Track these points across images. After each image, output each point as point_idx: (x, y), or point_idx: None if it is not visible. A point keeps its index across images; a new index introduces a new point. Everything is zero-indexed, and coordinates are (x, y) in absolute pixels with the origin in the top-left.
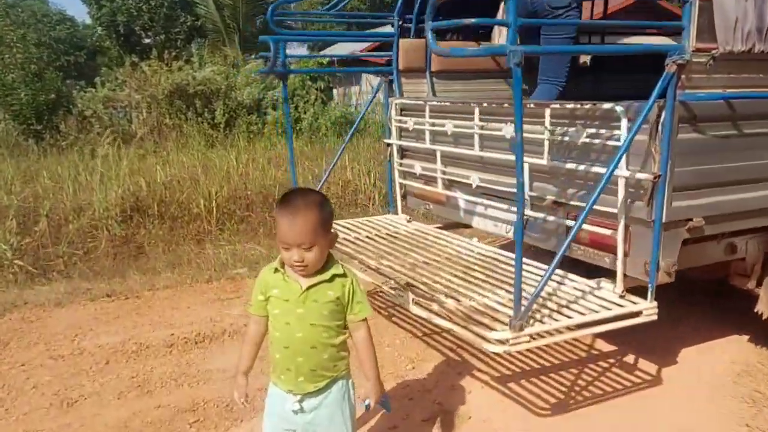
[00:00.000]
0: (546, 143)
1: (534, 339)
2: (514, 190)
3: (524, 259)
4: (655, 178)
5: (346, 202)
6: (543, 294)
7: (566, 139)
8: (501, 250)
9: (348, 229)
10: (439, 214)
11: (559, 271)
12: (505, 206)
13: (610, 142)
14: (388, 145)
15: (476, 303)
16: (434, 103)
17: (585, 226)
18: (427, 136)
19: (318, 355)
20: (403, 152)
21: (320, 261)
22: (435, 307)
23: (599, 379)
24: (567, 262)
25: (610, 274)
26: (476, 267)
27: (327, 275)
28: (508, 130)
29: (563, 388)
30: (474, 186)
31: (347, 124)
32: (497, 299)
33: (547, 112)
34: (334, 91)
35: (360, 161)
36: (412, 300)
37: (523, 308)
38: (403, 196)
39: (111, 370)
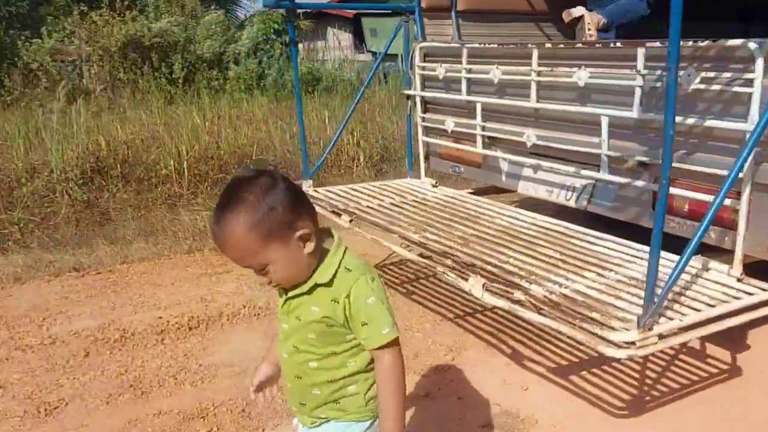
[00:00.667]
0: (637, 91)
1: (662, 339)
2: (580, 149)
3: (593, 233)
4: None
5: (328, 164)
6: (640, 277)
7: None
8: (561, 221)
9: (368, 195)
10: (472, 177)
11: (642, 248)
12: (566, 168)
13: (737, 89)
14: (408, 97)
15: (568, 291)
16: (475, 45)
17: (685, 193)
18: (463, 86)
19: (305, 389)
20: (426, 106)
21: (295, 272)
22: (518, 295)
23: (670, 370)
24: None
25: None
26: (542, 243)
27: (305, 286)
28: (581, 76)
29: (632, 381)
30: (530, 144)
31: (314, 81)
32: (591, 285)
33: (641, 52)
34: (300, 45)
35: (338, 120)
36: (483, 286)
37: (654, 304)
38: (426, 157)
39: (93, 365)
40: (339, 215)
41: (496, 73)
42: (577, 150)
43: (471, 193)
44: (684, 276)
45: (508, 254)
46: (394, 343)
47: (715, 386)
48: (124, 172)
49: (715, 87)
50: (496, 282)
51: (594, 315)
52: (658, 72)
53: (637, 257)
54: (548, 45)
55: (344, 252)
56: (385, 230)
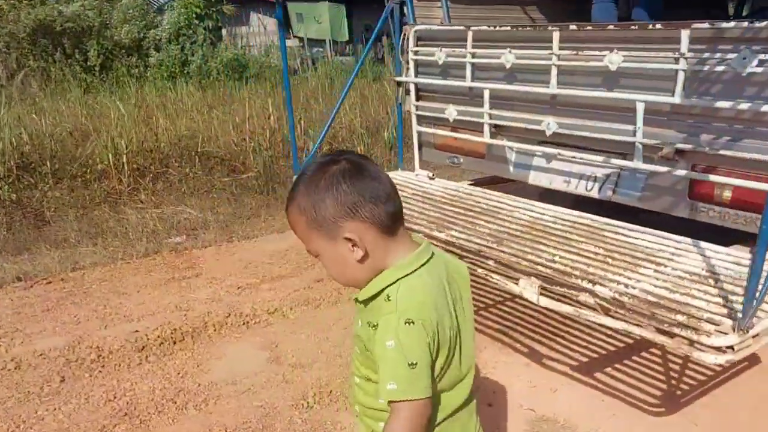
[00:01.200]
0: (680, 75)
1: (755, 339)
2: (609, 137)
3: (624, 224)
4: None
5: (277, 154)
6: (698, 271)
7: (719, 69)
8: (583, 212)
9: None
10: (473, 168)
11: (682, 239)
12: (588, 157)
13: None
14: (399, 84)
15: (637, 290)
16: (483, 28)
17: (728, 181)
18: (468, 72)
19: (361, 395)
20: (419, 93)
21: (341, 273)
22: (584, 297)
23: (690, 360)
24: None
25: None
26: (578, 238)
27: (368, 292)
28: (613, 60)
29: (658, 375)
30: (549, 133)
31: (241, 67)
32: (654, 283)
33: (685, 34)
34: (223, 31)
35: (280, 107)
36: (539, 289)
37: (753, 305)
38: (419, 147)
39: (73, 391)
40: None
41: (509, 57)
42: (603, 138)
43: (471, 184)
44: (738, 270)
45: (551, 252)
46: (406, 407)
47: (743, 374)
48: (54, 168)
49: None
50: (552, 284)
51: (679, 318)
52: (705, 55)
53: (682, 249)
54: (573, 27)
55: (406, 275)
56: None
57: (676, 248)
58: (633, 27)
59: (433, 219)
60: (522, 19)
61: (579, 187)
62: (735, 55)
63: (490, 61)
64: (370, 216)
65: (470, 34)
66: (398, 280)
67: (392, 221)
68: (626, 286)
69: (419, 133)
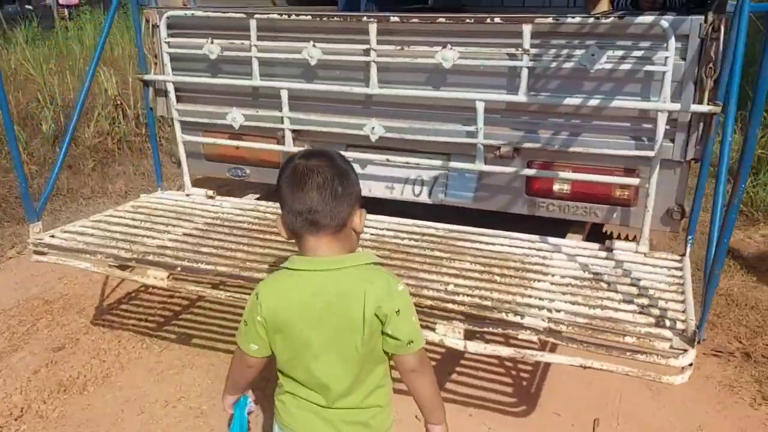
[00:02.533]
0: (524, 72)
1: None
2: (438, 138)
3: (470, 229)
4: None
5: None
6: (583, 275)
7: (564, 65)
8: (414, 221)
9: (136, 227)
10: (266, 179)
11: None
12: (413, 161)
13: (650, 67)
14: (147, 84)
15: (561, 314)
16: (274, 17)
17: (570, 176)
18: (255, 68)
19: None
20: (179, 94)
21: None
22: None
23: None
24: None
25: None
26: (443, 254)
27: None
28: (447, 57)
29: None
30: (375, 138)
31: None
32: (571, 299)
33: (527, 29)
34: None
35: None
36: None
37: (703, 316)
38: (176, 162)
39: None
40: (130, 269)
41: (312, 52)
42: (436, 140)
43: (259, 199)
44: (606, 264)
45: (433, 279)
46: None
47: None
48: None
49: (623, 66)
50: (475, 323)
51: (629, 340)
52: (550, 51)
53: (545, 250)
54: (394, 19)
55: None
56: (235, 278)
57: (538, 249)
58: (468, 20)
59: (261, 257)
60: (266, 5)
61: (405, 193)
62: (582, 51)
63: (287, 57)
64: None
65: (254, 23)
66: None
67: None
68: (548, 310)
69: (185, 143)
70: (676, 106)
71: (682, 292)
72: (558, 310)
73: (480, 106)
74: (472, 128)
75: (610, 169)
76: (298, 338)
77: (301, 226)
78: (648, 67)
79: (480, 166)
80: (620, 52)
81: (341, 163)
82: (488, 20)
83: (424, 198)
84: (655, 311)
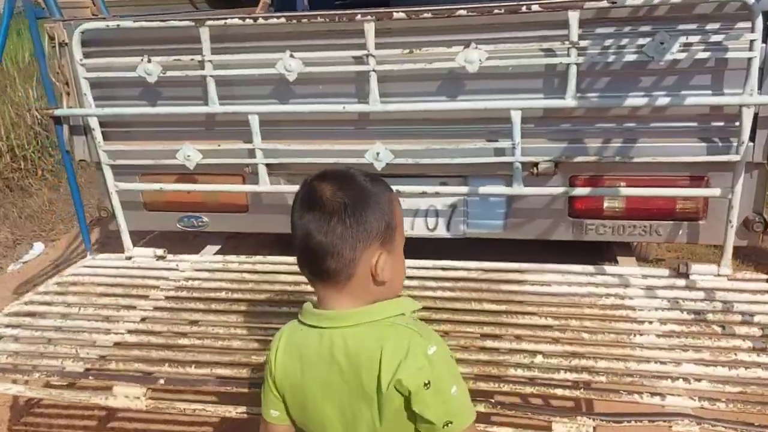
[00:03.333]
0: (572, 70)
1: None
2: (448, 161)
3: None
4: None
5: None
6: (683, 316)
7: (623, 59)
8: (491, 263)
9: (75, 313)
10: (230, 227)
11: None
12: (430, 189)
13: (732, 54)
14: (59, 121)
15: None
16: (235, 22)
17: (622, 191)
18: (212, 90)
19: None
20: (104, 130)
21: None
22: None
23: None
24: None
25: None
26: (499, 308)
27: None
28: (471, 58)
29: None
30: (382, 165)
31: None
32: (723, 361)
33: (574, 17)
34: None
35: None
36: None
37: None
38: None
39: None
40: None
41: (290, 64)
42: (455, 162)
43: (220, 252)
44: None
45: (497, 346)
46: None
47: None
48: None
49: (697, 56)
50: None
51: None
52: (602, 41)
53: (623, 286)
54: (399, 15)
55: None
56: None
57: (604, 285)
58: (498, 11)
59: (224, 343)
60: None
61: (417, 228)
62: (646, 40)
63: (254, 73)
64: None
65: (206, 32)
66: None
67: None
68: (683, 379)
69: (119, 193)
70: (761, 99)
71: None
72: (695, 378)
73: (516, 116)
74: (504, 144)
75: (674, 179)
76: (310, 407)
77: (302, 266)
78: (729, 54)
79: (519, 189)
80: (695, 38)
81: (362, 187)
82: (524, 8)
83: (441, 232)
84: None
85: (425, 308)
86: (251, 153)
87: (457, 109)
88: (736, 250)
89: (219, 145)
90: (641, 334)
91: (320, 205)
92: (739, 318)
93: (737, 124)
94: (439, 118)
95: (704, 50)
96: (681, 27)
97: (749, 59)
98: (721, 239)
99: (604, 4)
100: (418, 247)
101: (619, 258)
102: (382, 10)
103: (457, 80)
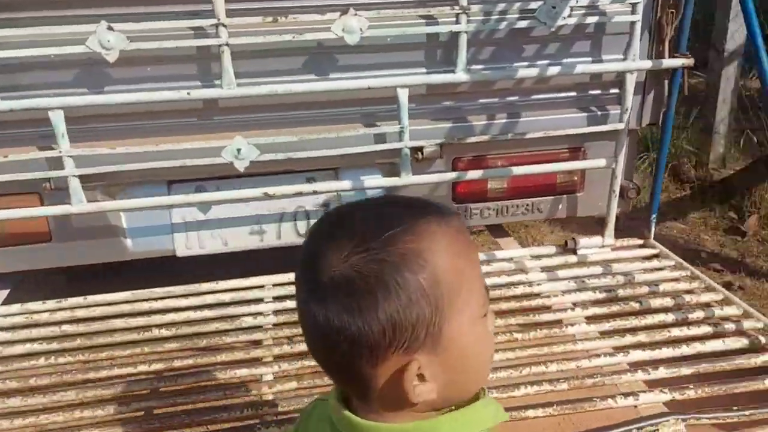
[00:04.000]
0: (463, 40)
1: None
2: (329, 152)
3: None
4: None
5: None
6: (597, 296)
7: (521, 24)
8: None
9: None
10: (19, 265)
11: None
12: (300, 188)
13: (619, 18)
14: None
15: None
16: None
17: (517, 170)
18: None
19: None
20: None
21: None
22: None
23: None
24: None
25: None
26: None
27: None
28: (352, 26)
29: None
30: (245, 165)
31: None
32: (662, 341)
33: None
34: None
35: None
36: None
37: None
38: None
39: None
40: None
41: (108, 39)
42: (326, 154)
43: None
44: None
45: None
46: None
47: None
48: None
49: (585, 20)
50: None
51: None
52: (493, 6)
53: (522, 271)
54: None
55: None
56: None
57: (499, 272)
58: None
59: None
60: None
61: (284, 235)
62: (539, 4)
63: (54, 53)
64: None
65: None
66: None
67: None
68: (642, 370)
69: None
70: (647, 64)
71: (715, 290)
72: (652, 367)
73: (403, 95)
74: (387, 128)
75: (555, 153)
76: None
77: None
78: (616, 18)
79: (407, 178)
80: (584, 1)
81: (388, 242)
82: None
83: (278, 240)
84: (731, 325)
85: None
86: (54, 162)
87: (335, 89)
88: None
89: (6, 156)
90: (571, 324)
91: (317, 272)
92: (646, 290)
93: (614, 91)
94: (313, 101)
95: (587, 14)
96: None
97: (633, 23)
98: (597, 210)
99: None
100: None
101: (498, 240)
102: None
103: (331, 54)
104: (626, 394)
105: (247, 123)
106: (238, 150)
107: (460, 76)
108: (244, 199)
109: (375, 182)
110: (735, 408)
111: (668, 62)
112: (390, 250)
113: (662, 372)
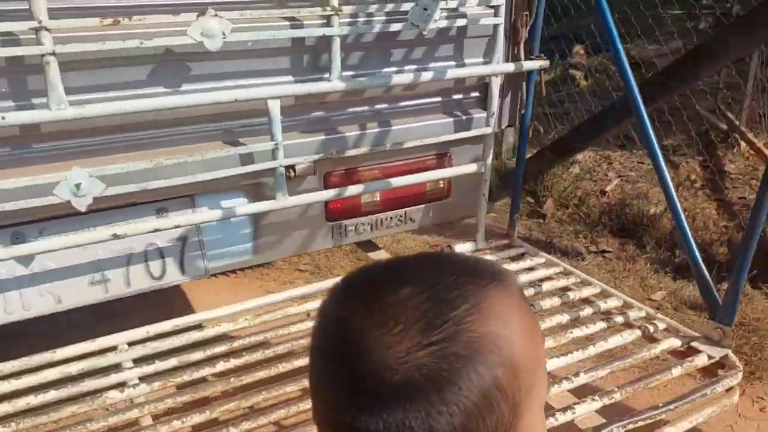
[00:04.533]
0: (336, 44)
1: None
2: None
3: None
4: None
5: None
6: None
7: (395, 27)
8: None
9: None
10: None
11: None
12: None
13: (485, 21)
14: None
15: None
16: None
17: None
18: None
19: None
20: None
21: None
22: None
23: None
24: None
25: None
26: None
27: None
28: (211, 30)
29: None
30: (86, 202)
31: None
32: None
33: None
34: None
35: None
36: None
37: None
38: None
39: None
40: None
41: None
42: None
43: None
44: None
45: None
46: None
47: None
48: None
49: (453, 23)
50: None
51: (675, 372)
52: (365, 8)
53: None
54: None
55: None
56: None
57: None
58: None
59: None
60: None
61: (134, 281)
62: (411, 5)
63: None
64: None
65: None
66: None
67: None
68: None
69: None
70: (510, 67)
71: (591, 284)
72: (573, 374)
73: (274, 107)
74: (259, 146)
75: (423, 161)
76: None
77: None
78: (482, 21)
79: (284, 200)
80: (454, 3)
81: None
82: None
83: (172, 277)
84: (619, 318)
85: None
86: None
87: (196, 104)
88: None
89: None
90: None
91: (367, 373)
92: (532, 291)
93: (475, 94)
94: (166, 118)
95: (452, 17)
96: None
97: (496, 26)
98: (462, 213)
99: None
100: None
101: (371, 255)
102: None
103: (183, 62)
104: (563, 410)
105: (84, 150)
106: (77, 185)
107: (336, 84)
108: (79, 245)
109: (244, 209)
110: (660, 405)
111: (528, 64)
112: (458, 341)
113: (583, 378)
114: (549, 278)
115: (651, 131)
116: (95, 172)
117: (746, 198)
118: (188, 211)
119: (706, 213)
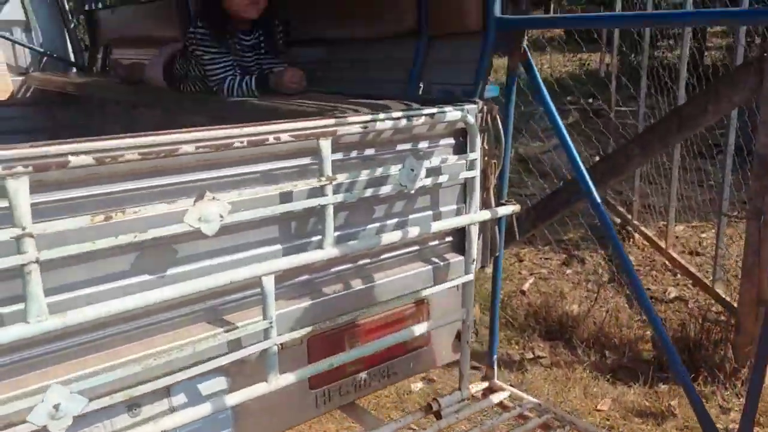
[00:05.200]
0: (329, 212)
1: None
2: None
3: None
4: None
5: None
6: None
7: (385, 190)
8: None
9: None
10: None
11: None
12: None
13: (464, 174)
14: None
15: None
16: None
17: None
18: None
19: None
20: None
21: None
22: None
23: None
24: None
25: None
26: None
27: None
28: (208, 215)
29: None
30: (67, 425)
31: None
32: None
33: (325, 145)
34: None
35: None
36: None
37: None
38: None
39: None
40: None
41: None
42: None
43: None
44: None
45: None
46: None
47: None
48: None
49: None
50: None
51: None
52: (356, 172)
53: None
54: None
55: None
56: None
57: None
58: (238, 144)
59: None
60: None
61: None
62: (398, 167)
63: None
64: None
65: None
66: None
67: None
68: None
69: None
70: (486, 214)
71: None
72: None
73: (269, 283)
74: (253, 327)
75: (402, 310)
76: None
77: None
78: (461, 175)
79: (276, 381)
80: (436, 160)
81: None
82: (271, 139)
83: None
84: None
85: None
86: None
87: (189, 293)
88: None
89: None
90: None
91: None
92: None
93: (449, 239)
94: (152, 309)
95: (438, 172)
96: (421, 147)
97: (473, 178)
98: (441, 360)
99: (357, 128)
100: None
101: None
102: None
103: (174, 246)
104: None
105: (54, 356)
106: (56, 407)
107: (330, 251)
108: None
109: (233, 399)
110: None
111: (502, 210)
112: None
113: None
114: (542, 426)
115: None
116: (76, 387)
117: (650, 289)
118: (165, 406)
119: (622, 308)
